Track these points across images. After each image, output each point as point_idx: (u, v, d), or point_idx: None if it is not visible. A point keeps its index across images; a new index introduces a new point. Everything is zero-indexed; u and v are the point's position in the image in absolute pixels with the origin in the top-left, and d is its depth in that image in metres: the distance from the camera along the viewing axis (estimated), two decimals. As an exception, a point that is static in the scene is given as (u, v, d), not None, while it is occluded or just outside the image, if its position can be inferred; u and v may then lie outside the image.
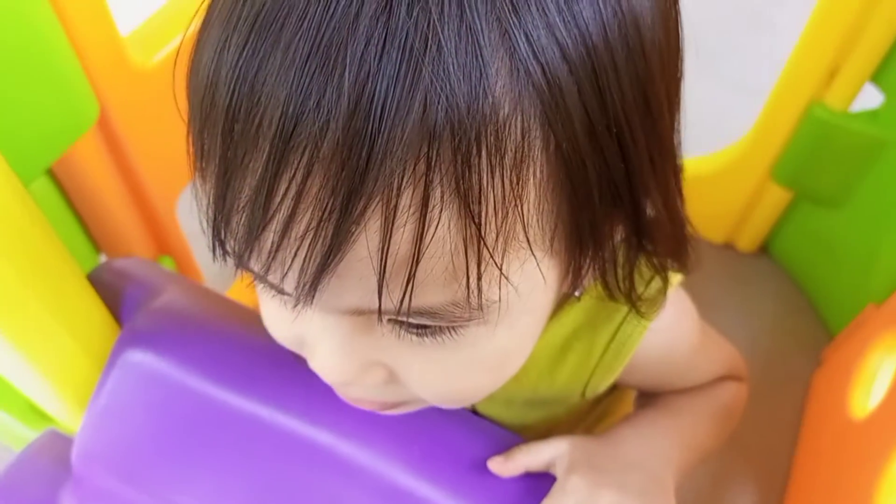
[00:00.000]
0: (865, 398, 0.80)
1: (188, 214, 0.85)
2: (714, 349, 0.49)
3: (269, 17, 0.22)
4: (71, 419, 0.43)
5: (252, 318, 0.44)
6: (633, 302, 0.35)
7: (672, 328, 0.42)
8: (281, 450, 0.39)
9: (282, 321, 0.32)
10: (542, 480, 0.38)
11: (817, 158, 0.89)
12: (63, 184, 0.64)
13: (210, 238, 0.26)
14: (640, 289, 0.35)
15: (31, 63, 0.53)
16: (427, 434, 0.39)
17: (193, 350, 0.40)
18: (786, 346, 0.97)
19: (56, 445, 0.43)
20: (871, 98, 0.86)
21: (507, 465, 0.38)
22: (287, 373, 0.40)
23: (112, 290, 0.44)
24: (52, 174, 0.62)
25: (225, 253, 0.26)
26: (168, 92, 0.71)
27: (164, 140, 0.71)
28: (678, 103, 0.31)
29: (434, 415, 0.40)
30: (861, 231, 0.91)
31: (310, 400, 0.39)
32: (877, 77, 0.83)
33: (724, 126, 0.95)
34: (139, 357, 0.40)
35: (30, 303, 0.38)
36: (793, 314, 1.00)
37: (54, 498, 0.41)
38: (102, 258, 0.66)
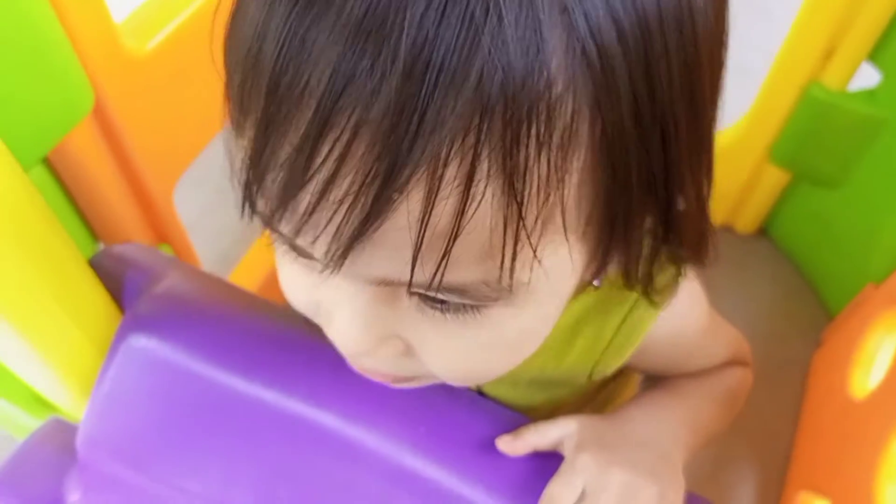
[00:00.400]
0: (865, 378, 0.81)
1: (186, 202, 0.84)
2: (721, 333, 0.49)
3: None
4: (74, 407, 0.43)
5: (255, 302, 0.44)
6: (647, 291, 0.34)
7: (683, 313, 0.41)
8: (287, 433, 0.39)
9: (301, 286, 0.31)
10: (549, 460, 0.38)
11: (815, 139, 0.89)
12: (59, 173, 0.63)
13: (241, 195, 0.26)
14: (655, 277, 0.34)
15: (24, 52, 0.52)
16: (434, 415, 0.39)
17: (197, 334, 0.40)
18: (785, 328, 0.97)
19: (60, 433, 0.43)
20: (868, 77, 0.86)
21: (516, 444, 0.37)
22: (292, 356, 0.40)
23: (113, 276, 0.43)
24: (48, 163, 0.62)
25: (254, 212, 0.26)
26: (164, 78, 0.70)
27: (160, 127, 0.70)
28: (720, 94, 0.31)
29: (440, 396, 0.40)
30: (860, 211, 0.91)
31: (315, 383, 0.39)
32: (874, 56, 0.83)
33: (721, 107, 0.95)
34: (143, 342, 0.39)
35: (32, 289, 0.37)
36: (792, 296, 1.00)
37: (59, 485, 0.41)
38: (100, 248, 0.66)
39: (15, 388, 0.45)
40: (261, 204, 0.25)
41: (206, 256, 1.06)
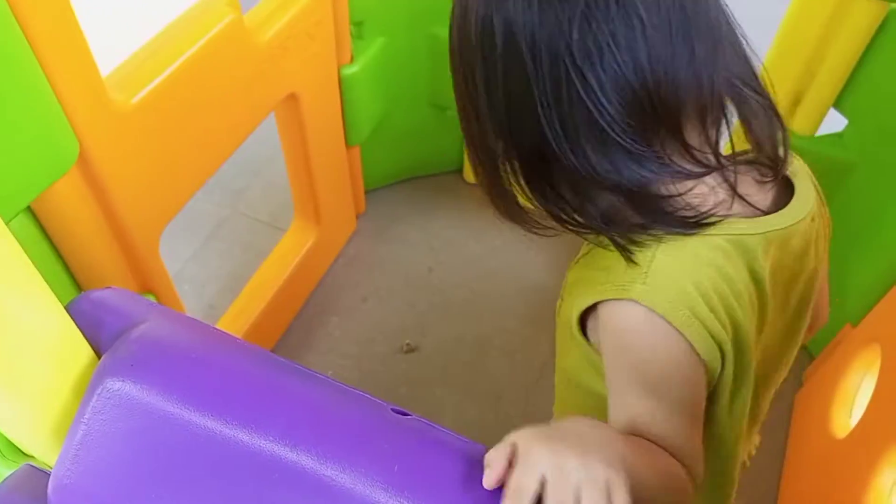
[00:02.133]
0: (847, 415, 0.81)
1: (171, 252, 0.84)
2: (634, 401, 0.46)
3: None
4: (48, 453, 0.43)
5: (234, 345, 0.45)
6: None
7: (627, 323, 0.46)
8: (263, 475, 0.39)
9: None
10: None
11: (787, 182, 0.92)
12: (43, 222, 0.64)
13: None
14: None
15: (8, 104, 0.54)
16: (407, 454, 0.39)
17: (174, 377, 0.40)
18: (768, 369, 0.98)
19: (32, 480, 0.42)
20: (835, 123, 0.89)
21: (490, 477, 0.37)
22: (268, 397, 0.41)
23: (92, 321, 0.44)
24: (31, 212, 0.63)
25: None
26: (149, 131, 0.72)
27: (145, 178, 0.71)
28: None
29: (413, 435, 0.40)
30: (834, 253, 0.92)
31: (290, 423, 0.39)
32: (839, 103, 0.86)
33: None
34: (118, 385, 0.39)
35: (6, 333, 0.38)
36: (773, 336, 1.01)
37: (32, 532, 0.41)
38: (83, 296, 0.66)
39: (-12, 436, 0.45)
40: None
41: (192, 306, 1.06)
